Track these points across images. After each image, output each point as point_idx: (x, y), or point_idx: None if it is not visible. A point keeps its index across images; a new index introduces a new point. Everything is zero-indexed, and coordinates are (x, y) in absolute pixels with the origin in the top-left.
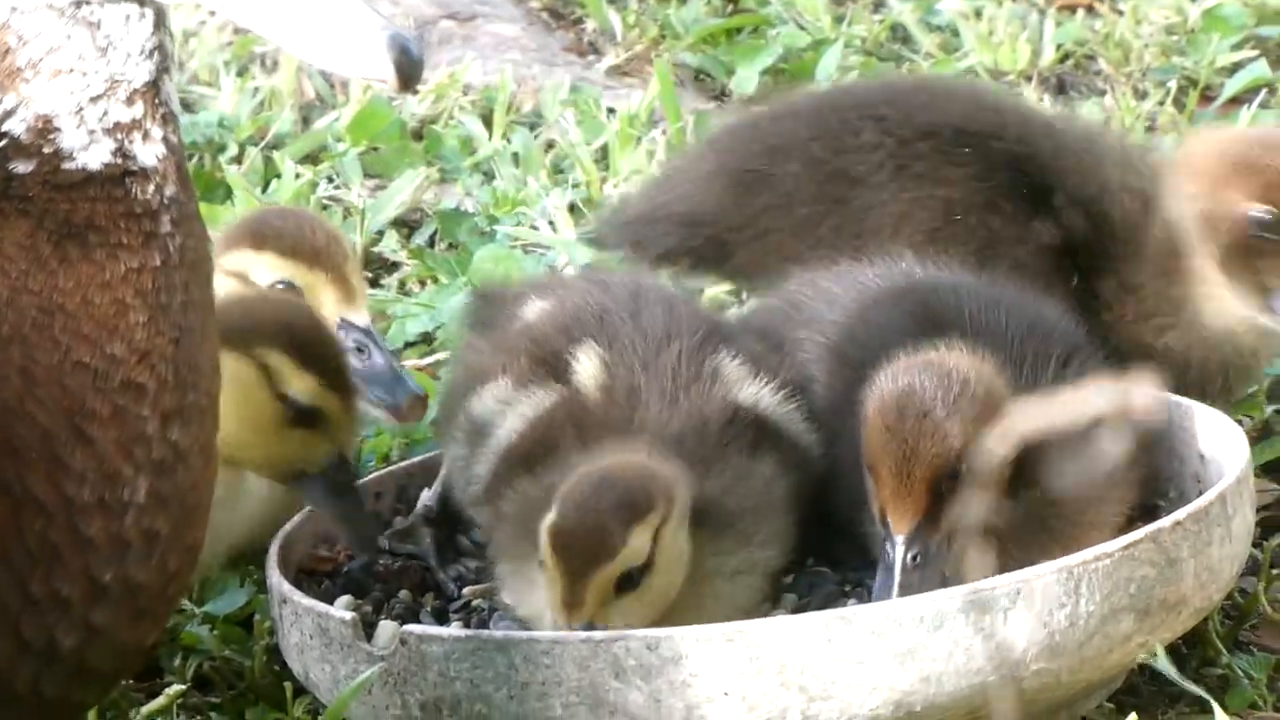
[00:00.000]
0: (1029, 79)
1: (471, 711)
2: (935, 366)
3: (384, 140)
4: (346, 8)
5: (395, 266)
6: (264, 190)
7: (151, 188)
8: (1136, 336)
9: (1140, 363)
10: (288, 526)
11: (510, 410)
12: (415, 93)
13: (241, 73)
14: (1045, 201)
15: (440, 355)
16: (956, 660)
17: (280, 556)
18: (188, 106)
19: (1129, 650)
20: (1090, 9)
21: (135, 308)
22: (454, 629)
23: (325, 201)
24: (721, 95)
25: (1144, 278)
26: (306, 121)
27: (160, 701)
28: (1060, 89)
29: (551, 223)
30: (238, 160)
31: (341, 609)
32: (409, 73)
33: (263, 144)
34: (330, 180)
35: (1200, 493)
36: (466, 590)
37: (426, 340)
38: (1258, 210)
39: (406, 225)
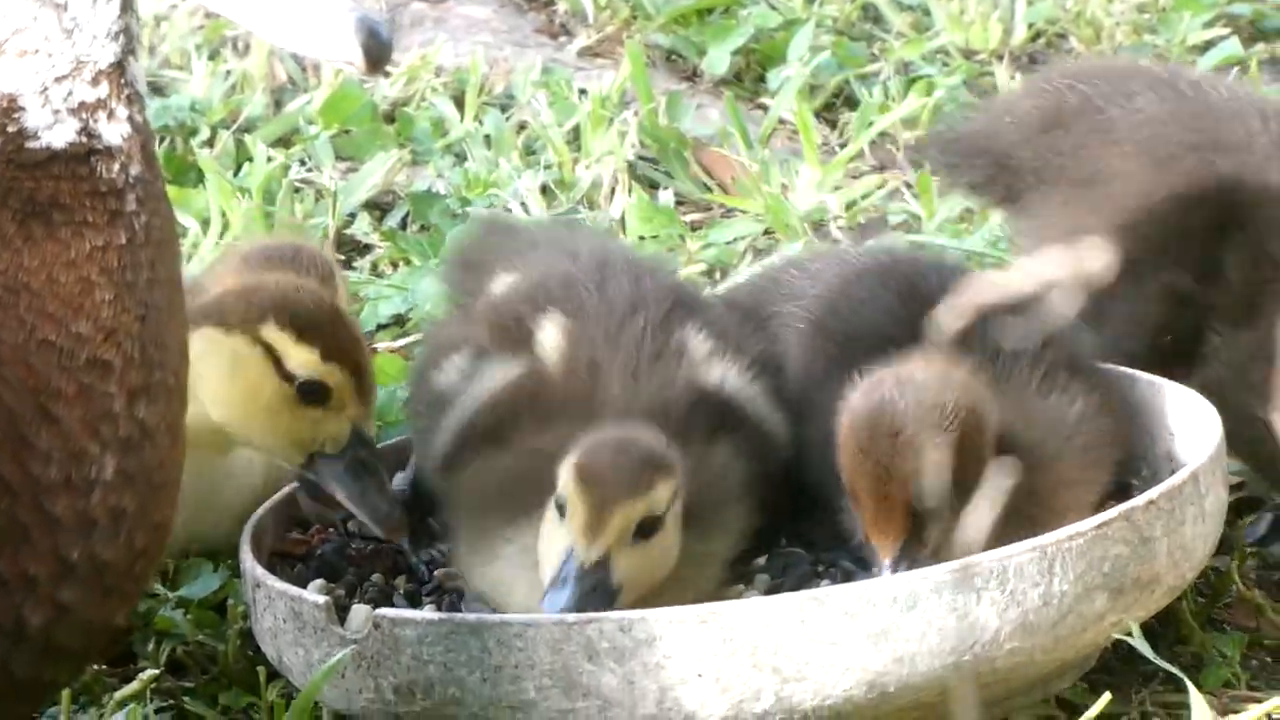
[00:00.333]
0: (1000, 58)
1: (445, 694)
2: (907, 381)
3: (356, 123)
4: None
5: (367, 249)
6: (235, 173)
7: (117, 166)
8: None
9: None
10: (260, 510)
11: (470, 383)
12: (386, 75)
13: (213, 56)
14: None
15: (413, 337)
16: (930, 641)
17: (253, 540)
18: (159, 90)
19: (1102, 629)
20: None
21: (101, 285)
22: (427, 612)
23: (297, 184)
24: (693, 76)
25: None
26: (278, 104)
27: (134, 686)
28: (1032, 67)
29: (524, 204)
30: (209, 144)
31: (314, 593)
32: (377, 55)
33: (234, 127)
34: (302, 163)
35: (1173, 471)
36: (438, 572)
37: (399, 322)
38: None
39: (378, 207)
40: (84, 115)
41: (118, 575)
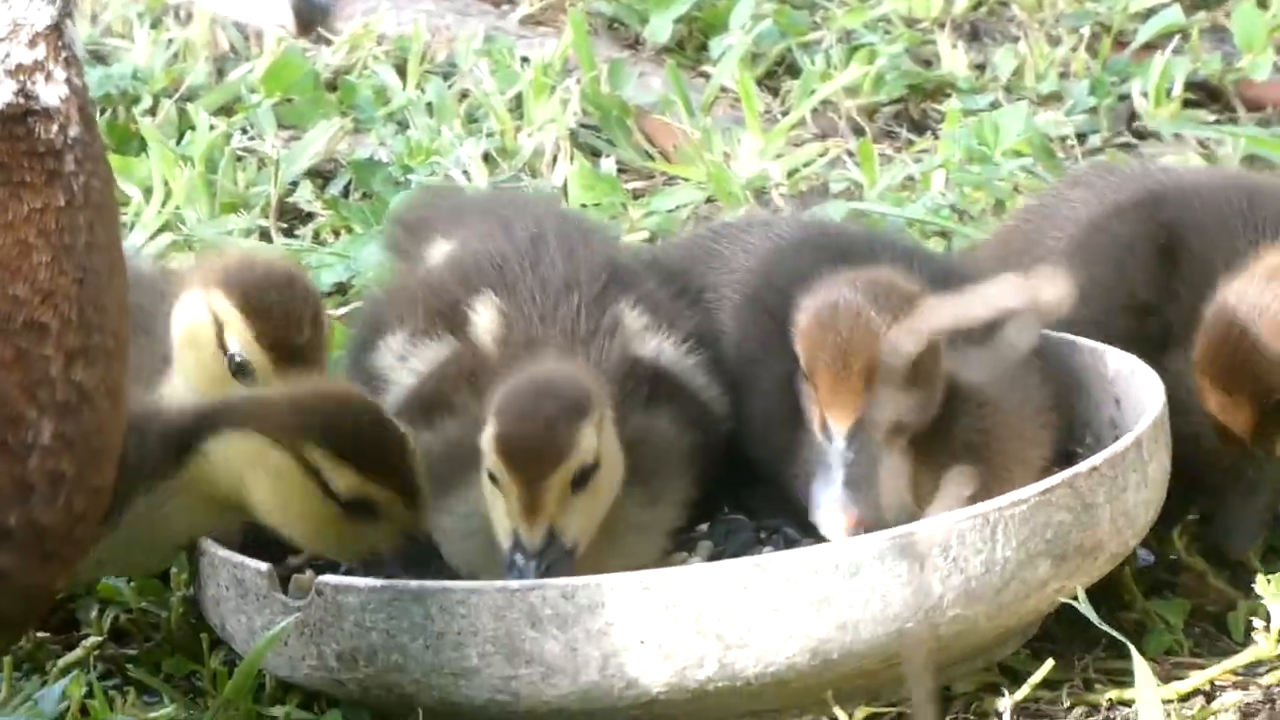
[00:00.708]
0: (942, 26)
1: (388, 661)
2: (862, 277)
3: (298, 91)
4: None
5: (310, 217)
6: (178, 142)
7: (55, 128)
8: None
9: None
10: None
11: (405, 365)
12: (328, 42)
13: (155, 25)
14: None
15: (356, 304)
16: (873, 607)
17: None
18: (101, 59)
19: (1046, 596)
20: None
21: (38, 248)
22: (369, 579)
23: (239, 153)
24: (635, 44)
25: None
26: (221, 73)
27: (77, 653)
28: (974, 36)
29: (466, 172)
30: (152, 112)
31: (257, 560)
32: (308, 18)
33: (177, 96)
34: (244, 131)
35: (1116, 438)
36: None
37: (341, 290)
38: None
39: (321, 175)
40: (21, 77)
41: (57, 540)
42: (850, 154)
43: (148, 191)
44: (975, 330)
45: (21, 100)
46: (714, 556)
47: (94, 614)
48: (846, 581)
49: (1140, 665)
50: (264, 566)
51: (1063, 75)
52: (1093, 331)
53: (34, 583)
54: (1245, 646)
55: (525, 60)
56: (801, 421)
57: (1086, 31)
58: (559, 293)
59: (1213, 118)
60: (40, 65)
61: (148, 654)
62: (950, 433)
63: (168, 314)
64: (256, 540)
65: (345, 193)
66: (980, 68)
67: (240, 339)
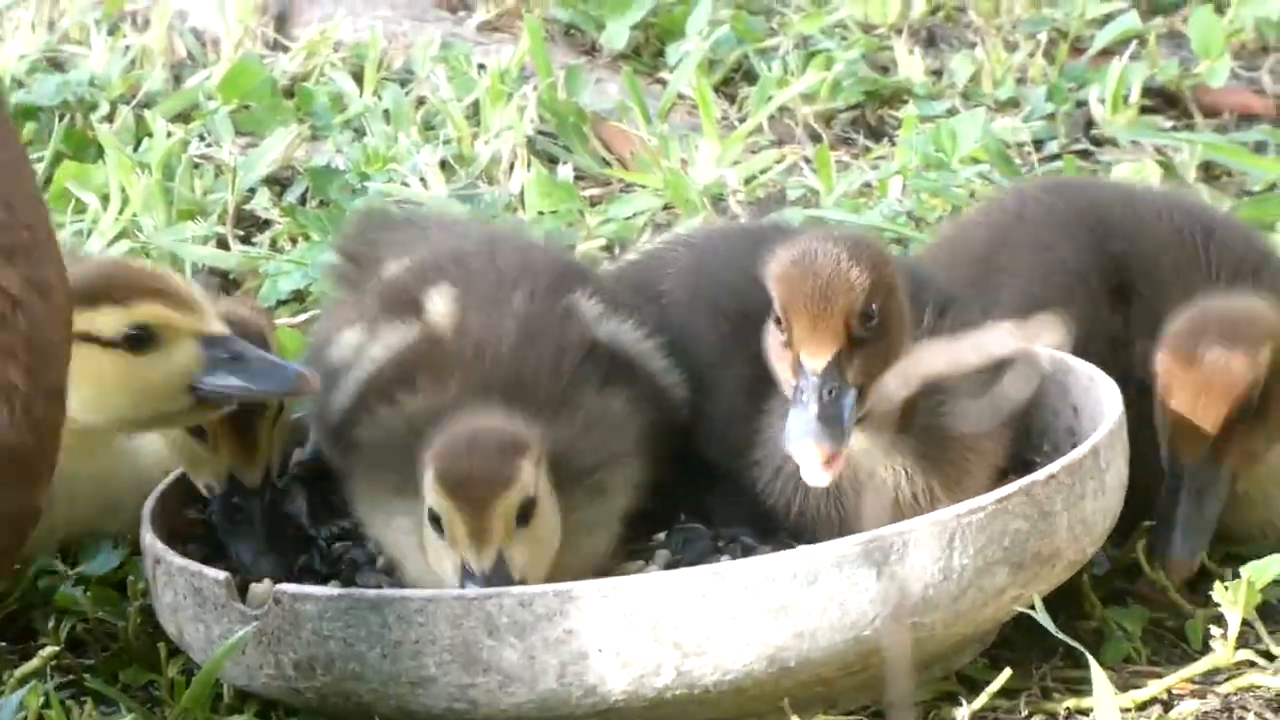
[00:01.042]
0: (899, 32)
1: (345, 670)
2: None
3: (255, 98)
4: None
5: (267, 224)
6: (135, 149)
7: None
8: None
9: None
10: (161, 486)
11: (365, 350)
12: (285, 50)
13: (112, 31)
14: None
15: (313, 312)
16: (831, 615)
17: (154, 517)
18: (59, 66)
19: (1003, 604)
20: None
21: None
22: (327, 588)
23: (197, 160)
24: (592, 50)
25: None
26: (178, 80)
27: (34, 663)
28: (931, 42)
29: (423, 179)
30: (109, 119)
31: (215, 568)
32: None
33: (134, 102)
34: (202, 138)
35: (1074, 446)
36: (338, 546)
37: (299, 298)
38: None
39: (278, 183)
40: None
41: (27, 454)
42: (807, 160)
43: (105, 198)
44: (972, 377)
45: None
46: (671, 565)
47: (51, 623)
48: (804, 589)
49: (1098, 674)
50: (222, 575)
51: (1020, 81)
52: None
53: (16, 506)
54: (1203, 655)
55: (482, 67)
56: (761, 418)
57: (1044, 37)
58: (513, 281)
59: (1170, 124)
60: None
61: (105, 663)
62: (909, 416)
63: None
64: (215, 549)
65: (303, 200)
66: (937, 74)
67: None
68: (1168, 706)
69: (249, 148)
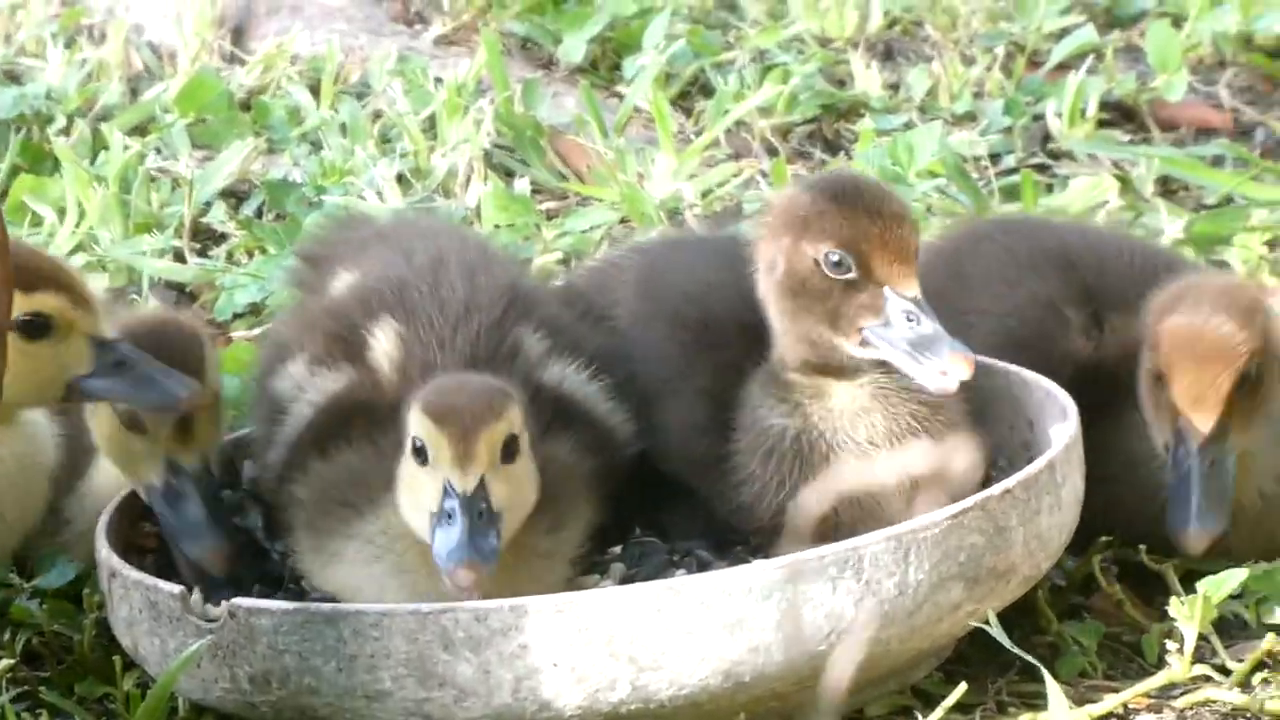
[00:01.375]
0: (856, 46)
1: (300, 684)
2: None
3: (212, 111)
4: None
5: (223, 237)
6: (92, 162)
7: None
8: None
9: None
10: (116, 500)
11: (304, 393)
12: (242, 63)
13: (69, 44)
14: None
15: (269, 325)
16: (785, 630)
17: (109, 530)
18: (15, 79)
19: (958, 619)
20: None
21: None
22: (282, 602)
23: (153, 173)
24: (549, 64)
25: None
26: (134, 93)
27: None
28: (888, 55)
29: (379, 192)
30: (66, 132)
31: (170, 583)
32: None
33: (91, 115)
34: (158, 151)
35: (1029, 461)
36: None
37: (255, 311)
38: None
39: (234, 196)
40: None
41: None
42: (764, 174)
43: (61, 212)
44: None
45: None
46: (627, 579)
47: (6, 636)
48: (759, 604)
49: (1053, 688)
50: (177, 589)
51: (977, 95)
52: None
53: None
54: (1159, 670)
55: (439, 81)
56: (722, 431)
57: (1001, 51)
58: (458, 317)
59: (1127, 138)
60: None
61: (60, 676)
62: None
63: None
64: (171, 563)
65: (259, 213)
66: (894, 87)
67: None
68: None
69: (206, 161)
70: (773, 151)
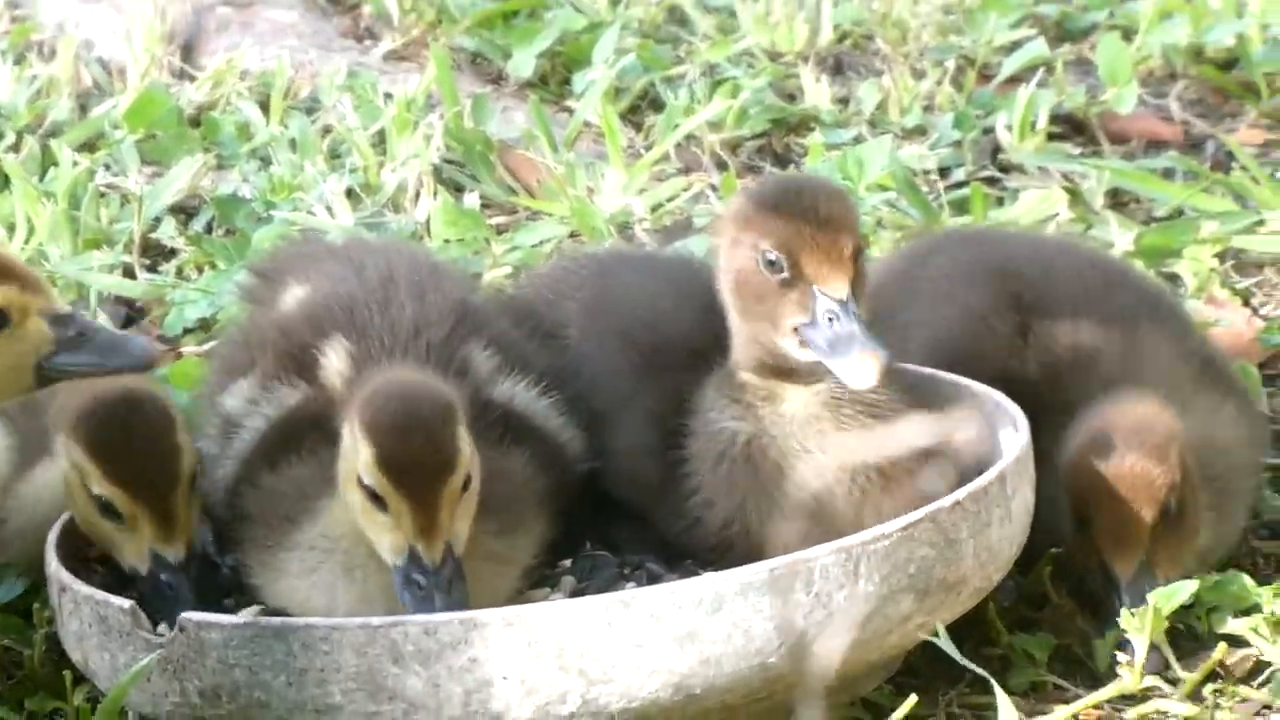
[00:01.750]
0: (806, 60)
1: (250, 698)
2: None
3: (161, 127)
4: None
5: (173, 253)
6: (41, 178)
7: None
8: None
9: None
10: (66, 515)
11: (255, 410)
12: (191, 79)
13: (19, 61)
14: None
15: (219, 342)
16: (736, 642)
17: (59, 545)
18: None
19: (908, 631)
20: None
21: None
22: (232, 616)
23: (103, 189)
24: (498, 79)
25: None
26: (84, 109)
27: None
28: (838, 69)
29: (329, 208)
30: (15, 149)
31: (120, 597)
32: None
33: (40, 132)
34: (108, 168)
35: (979, 473)
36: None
37: (205, 326)
38: None
39: (184, 211)
40: None
41: None
42: (714, 188)
43: (10, 228)
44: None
45: None
46: (577, 592)
47: None
48: (709, 617)
49: (1003, 700)
50: (127, 604)
51: (927, 109)
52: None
53: None
54: (1110, 680)
55: (388, 96)
56: (670, 454)
57: (951, 65)
58: (408, 335)
59: (1078, 151)
60: None
61: (10, 691)
62: None
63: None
64: (119, 578)
65: (209, 229)
66: (844, 101)
67: (96, 482)
68: None
69: (155, 177)
70: (723, 166)
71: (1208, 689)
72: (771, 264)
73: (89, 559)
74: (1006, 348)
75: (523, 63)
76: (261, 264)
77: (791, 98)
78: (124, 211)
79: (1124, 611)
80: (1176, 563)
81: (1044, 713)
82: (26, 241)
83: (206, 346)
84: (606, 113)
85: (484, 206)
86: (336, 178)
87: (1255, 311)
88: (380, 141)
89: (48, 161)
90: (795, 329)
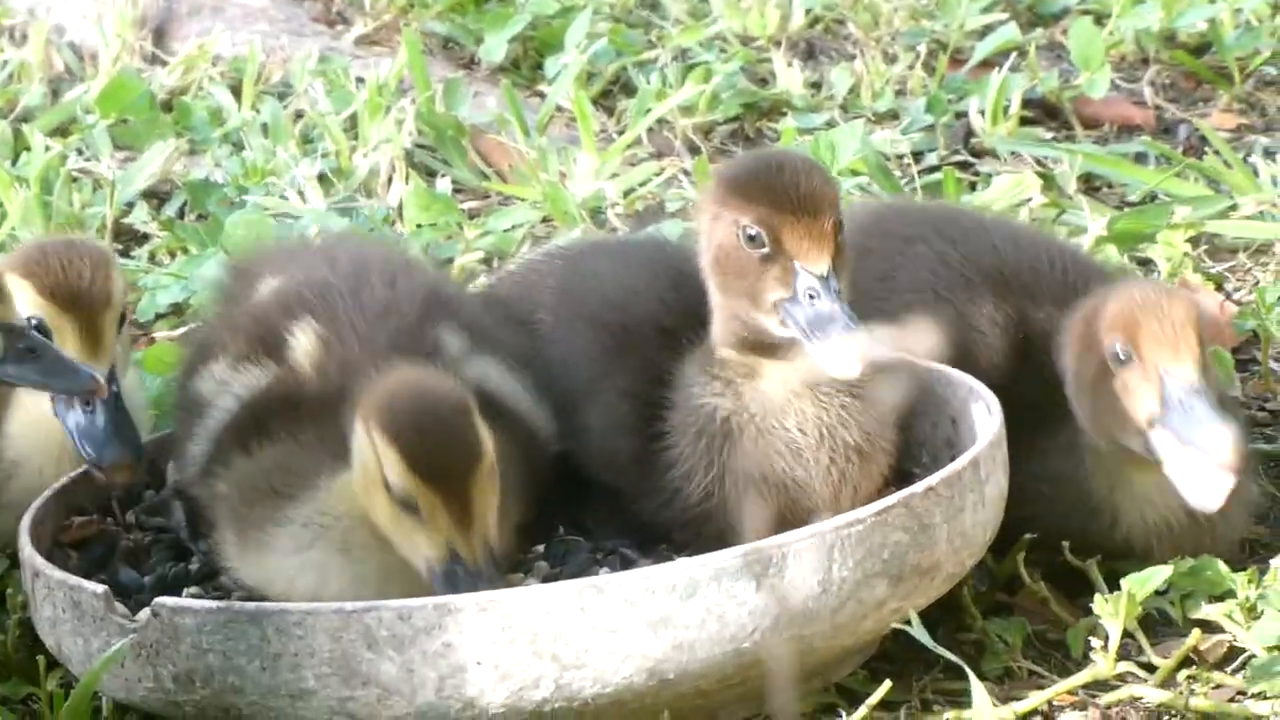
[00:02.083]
0: (778, 44)
1: (224, 683)
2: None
3: (133, 112)
4: None
5: (145, 238)
6: (13, 163)
7: None
8: None
9: None
10: (39, 500)
11: (226, 390)
12: (163, 64)
13: None
14: None
15: (192, 325)
16: (710, 628)
17: (32, 530)
18: None
19: (883, 616)
20: None
21: None
22: (206, 601)
23: (75, 174)
24: (470, 64)
25: None
26: (56, 94)
27: None
28: (810, 54)
29: (301, 192)
30: None
31: (93, 582)
32: None
33: (12, 117)
34: (80, 152)
35: (953, 458)
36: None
37: (178, 311)
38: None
39: (156, 196)
40: None
41: None
42: (686, 173)
43: None
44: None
45: None
46: (550, 578)
47: None
48: (683, 602)
49: (977, 687)
50: (100, 588)
51: (899, 93)
52: None
53: None
54: (1084, 666)
55: (360, 81)
56: (643, 432)
57: (923, 49)
58: (378, 317)
59: (1050, 135)
60: None
61: None
62: None
63: None
64: (92, 562)
65: (181, 213)
66: (816, 86)
67: (28, 300)
68: (1048, 718)
69: (127, 162)
70: (695, 150)
71: (1182, 675)
72: (752, 239)
73: (63, 543)
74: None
75: (494, 47)
76: (238, 260)
77: (764, 82)
78: (96, 196)
79: (1098, 598)
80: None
81: (1018, 698)
82: None
83: (179, 332)
84: (578, 97)
85: (456, 191)
86: (308, 162)
87: (1228, 296)
88: (352, 126)
89: (20, 146)
90: (776, 304)
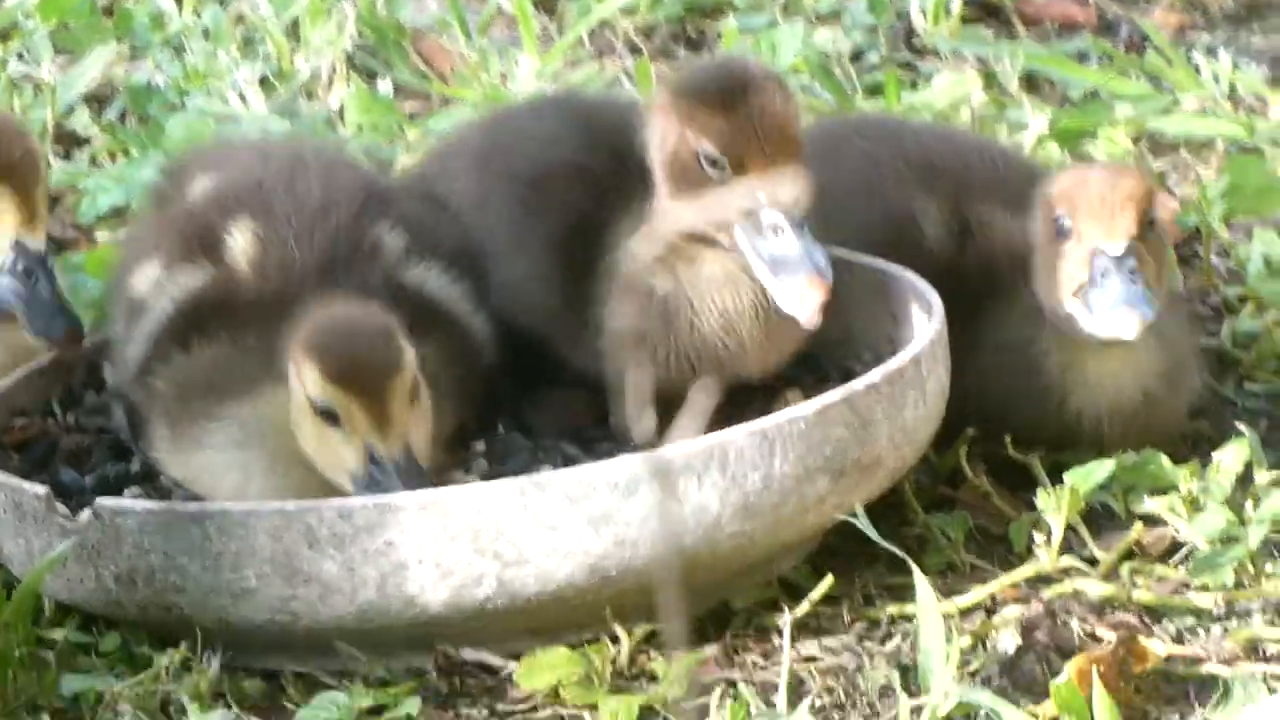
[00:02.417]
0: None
1: (166, 583)
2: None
3: (74, 17)
4: None
5: (86, 141)
6: None
7: None
8: None
9: None
10: None
11: (161, 291)
12: None
13: None
14: None
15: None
16: (651, 525)
17: None
18: None
19: (824, 511)
20: None
21: None
22: (147, 501)
23: (15, 79)
24: None
25: None
26: None
27: None
28: None
29: (242, 96)
30: None
31: (34, 483)
32: None
33: None
34: (20, 57)
35: (894, 354)
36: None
37: (118, 214)
38: None
39: (97, 100)
40: None
41: None
42: (628, 74)
43: None
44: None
45: None
46: (491, 475)
47: None
48: (625, 499)
49: (920, 580)
50: (41, 489)
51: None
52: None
53: None
54: (1026, 560)
55: None
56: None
57: None
58: (315, 215)
59: (991, 34)
60: None
61: None
62: None
63: None
64: (33, 464)
65: (122, 118)
66: None
67: None
68: (991, 612)
69: (68, 66)
70: (636, 51)
71: (1124, 568)
72: (714, 164)
73: (4, 445)
74: (941, 240)
75: None
76: (170, 161)
77: None
78: (37, 101)
79: (1040, 492)
80: (1158, 280)
81: (961, 592)
82: None
83: (120, 234)
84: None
85: (397, 93)
86: (250, 66)
87: (1170, 193)
88: (293, 30)
89: None
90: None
